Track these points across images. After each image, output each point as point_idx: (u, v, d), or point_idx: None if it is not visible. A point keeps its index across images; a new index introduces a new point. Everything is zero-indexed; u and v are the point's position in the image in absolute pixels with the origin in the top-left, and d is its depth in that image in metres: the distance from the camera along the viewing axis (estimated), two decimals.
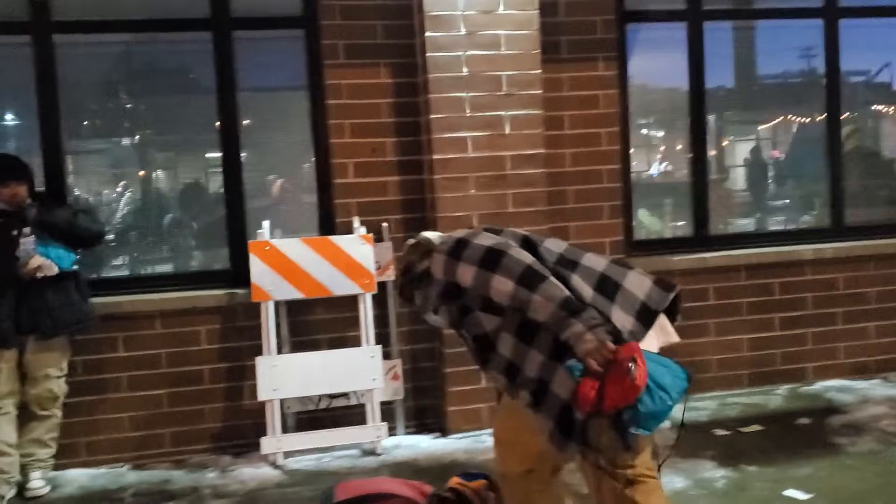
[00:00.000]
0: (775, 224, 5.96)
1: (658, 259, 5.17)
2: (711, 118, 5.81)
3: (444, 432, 4.71)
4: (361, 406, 4.58)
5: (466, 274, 2.43)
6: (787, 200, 6.21)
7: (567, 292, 2.29)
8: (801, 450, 4.23)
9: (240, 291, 4.59)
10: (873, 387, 5.23)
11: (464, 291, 2.48)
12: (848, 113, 5.86)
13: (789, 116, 6.50)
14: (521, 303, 2.31)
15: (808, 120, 6.23)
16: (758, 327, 5.32)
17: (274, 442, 4.40)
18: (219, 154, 4.82)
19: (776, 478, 3.87)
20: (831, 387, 5.26)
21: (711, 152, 5.75)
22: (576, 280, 2.40)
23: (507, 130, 4.67)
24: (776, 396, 5.18)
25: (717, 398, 5.15)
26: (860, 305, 5.44)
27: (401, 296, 2.80)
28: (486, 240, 2.45)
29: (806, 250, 5.39)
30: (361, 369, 4.46)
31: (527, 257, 2.35)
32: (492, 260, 2.36)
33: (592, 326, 2.24)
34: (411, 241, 2.76)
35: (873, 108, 6.47)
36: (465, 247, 2.46)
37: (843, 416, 4.73)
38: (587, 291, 2.39)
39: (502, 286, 2.33)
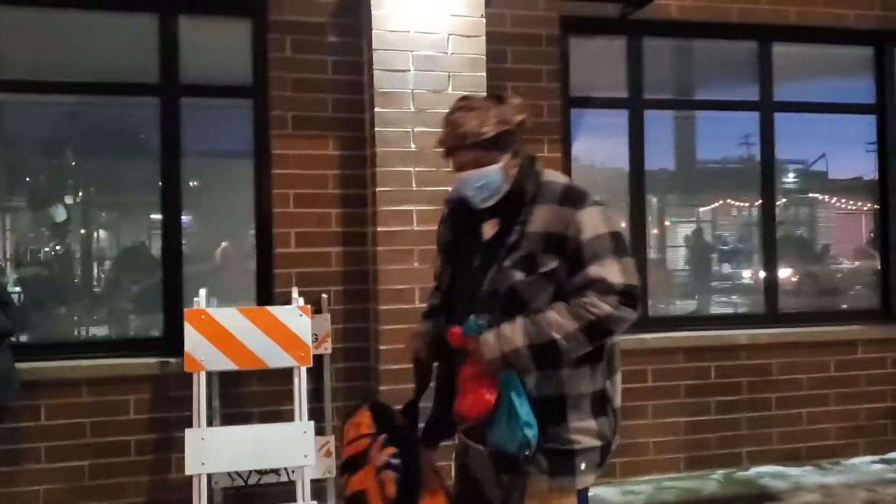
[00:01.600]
0: (713, 307, 6.08)
1: None
2: (653, 199, 5.96)
3: None
4: (292, 483, 4.44)
5: (608, 270, 2.18)
6: (726, 283, 6.36)
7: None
8: None
9: (172, 360, 4.47)
10: (806, 473, 5.28)
11: (564, 263, 2.22)
12: (784, 200, 6.06)
13: (728, 200, 6.70)
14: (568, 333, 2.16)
15: (746, 205, 6.42)
16: (695, 411, 5.35)
17: None
18: (159, 217, 4.76)
19: None
20: (765, 472, 5.30)
21: (654, 231, 5.88)
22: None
23: None
24: (711, 481, 5.18)
25: (653, 482, 5.13)
26: (793, 392, 5.53)
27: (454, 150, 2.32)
28: (633, 272, 2.25)
29: (741, 335, 5.48)
30: (293, 445, 4.33)
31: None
32: (629, 299, 2.20)
33: (507, 355, 2.17)
34: (511, 99, 2.35)
35: (809, 195, 6.70)
36: (623, 250, 2.26)
37: (777, 503, 4.76)
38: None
39: (598, 310, 2.15)
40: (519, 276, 2.23)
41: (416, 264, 4.60)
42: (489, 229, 2.39)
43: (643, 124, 5.48)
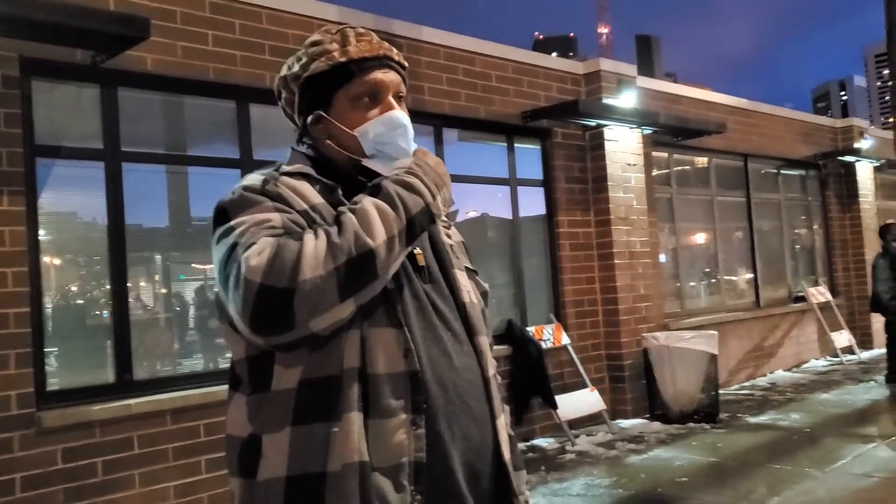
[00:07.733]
0: (198, 365, 5.87)
1: (75, 411, 4.77)
2: (157, 257, 5.73)
3: None
4: None
5: None
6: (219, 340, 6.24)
7: None
8: None
9: None
10: None
11: None
12: None
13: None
14: None
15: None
16: (185, 472, 5.16)
17: None
18: None
19: None
20: None
21: (162, 290, 5.60)
22: None
23: None
24: None
25: None
26: None
27: None
28: None
29: (223, 391, 5.41)
30: None
31: None
32: None
33: None
34: None
35: None
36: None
37: None
38: None
39: None
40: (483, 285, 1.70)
41: None
42: None
43: (121, 177, 5.18)
